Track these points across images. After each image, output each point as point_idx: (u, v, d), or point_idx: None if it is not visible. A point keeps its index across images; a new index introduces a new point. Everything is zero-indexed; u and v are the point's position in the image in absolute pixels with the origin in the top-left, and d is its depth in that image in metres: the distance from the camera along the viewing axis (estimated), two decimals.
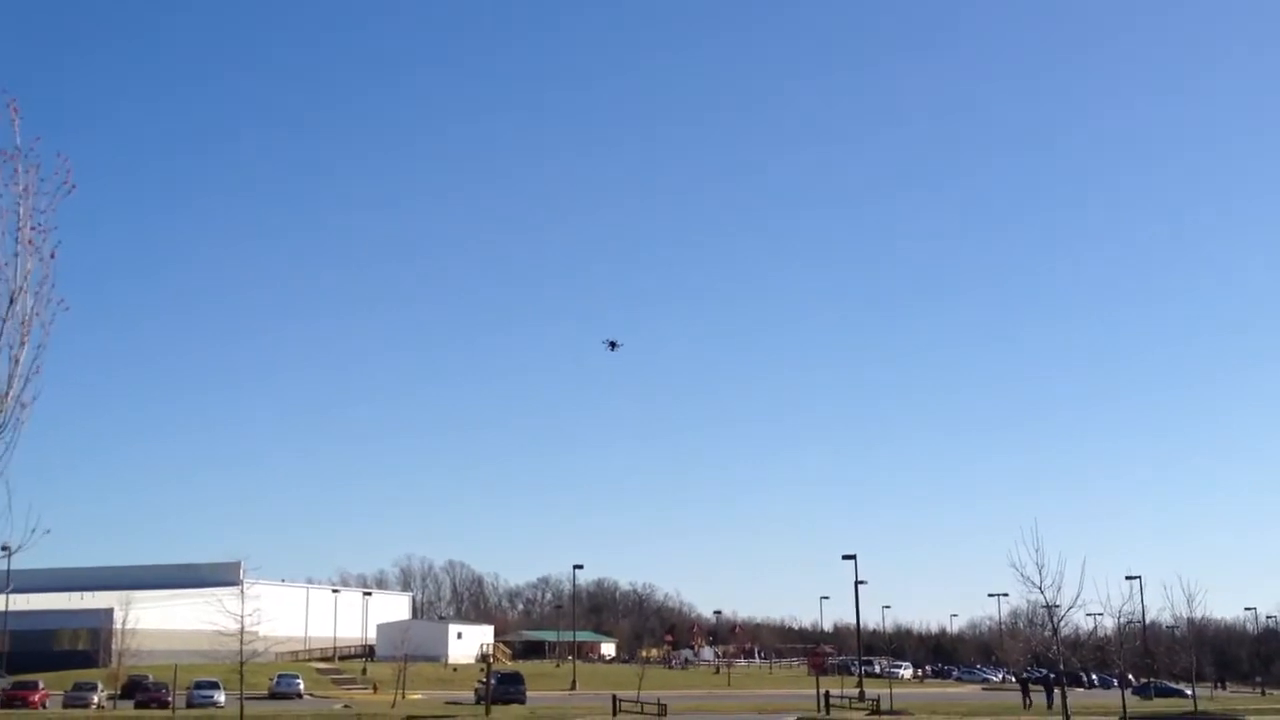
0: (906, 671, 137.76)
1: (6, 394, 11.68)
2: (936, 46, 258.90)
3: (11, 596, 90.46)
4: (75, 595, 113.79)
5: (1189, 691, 76.99)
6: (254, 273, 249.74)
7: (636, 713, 57.82)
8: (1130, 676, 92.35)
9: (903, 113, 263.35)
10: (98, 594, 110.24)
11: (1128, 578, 70.92)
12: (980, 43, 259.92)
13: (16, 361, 11.71)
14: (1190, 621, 77.82)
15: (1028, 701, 72.15)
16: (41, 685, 72.72)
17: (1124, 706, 53.09)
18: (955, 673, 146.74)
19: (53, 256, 12.00)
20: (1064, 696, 47.32)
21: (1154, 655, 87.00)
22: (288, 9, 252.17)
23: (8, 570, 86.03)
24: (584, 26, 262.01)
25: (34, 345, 11.82)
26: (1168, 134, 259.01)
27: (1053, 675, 75.72)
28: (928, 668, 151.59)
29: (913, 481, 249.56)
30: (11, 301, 11.72)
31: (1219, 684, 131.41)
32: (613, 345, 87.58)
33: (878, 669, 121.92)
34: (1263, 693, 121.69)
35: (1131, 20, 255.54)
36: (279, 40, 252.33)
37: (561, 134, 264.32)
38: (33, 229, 11.85)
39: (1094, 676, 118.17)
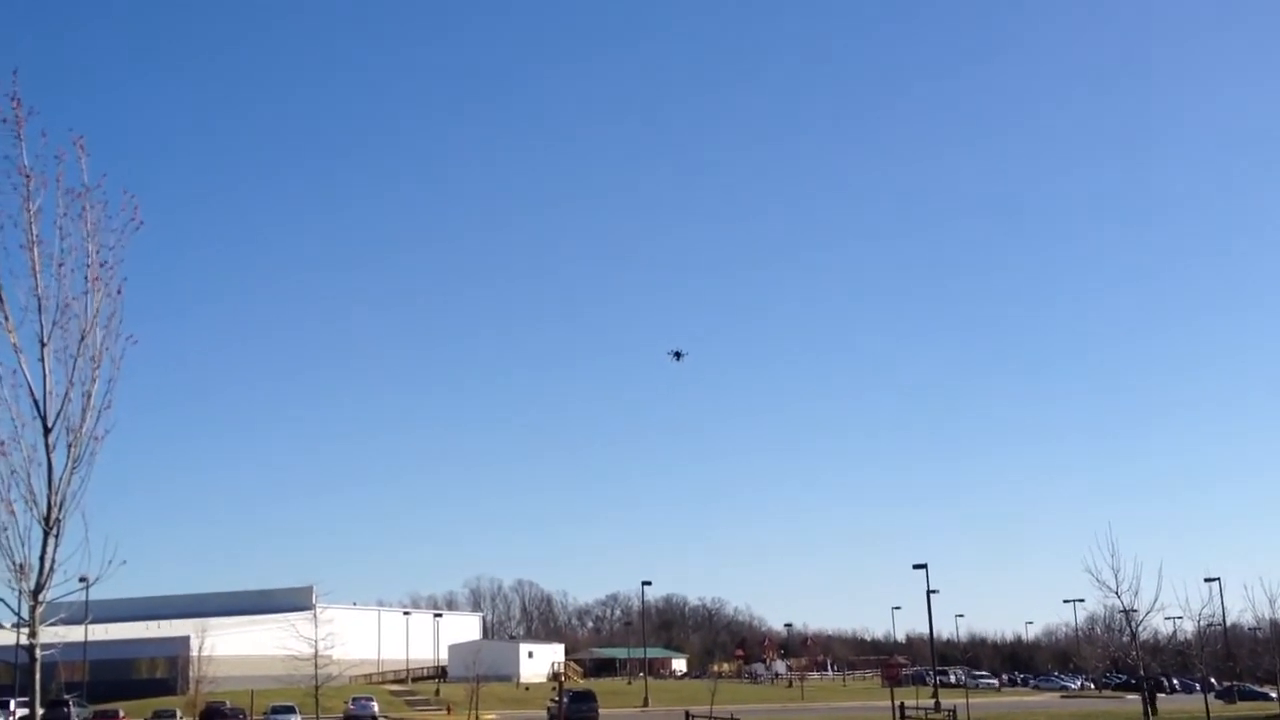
0: (991, 680, 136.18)
1: (81, 428, 11.85)
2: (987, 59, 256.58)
3: (91, 627, 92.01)
4: (153, 624, 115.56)
5: (1274, 695, 75.20)
6: (322, 300, 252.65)
7: None
8: (1213, 680, 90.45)
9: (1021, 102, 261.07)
10: (174, 622, 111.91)
11: (1206, 580, 69.75)
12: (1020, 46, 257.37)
13: (89, 396, 11.88)
14: (1273, 623, 76.09)
15: (1151, 710, 70.17)
16: (122, 713, 73.89)
17: (1207, 712, 51.95)
18: (1032, 681, 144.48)
19: (119, 292, 12.17)
20: (1153, 699, 46.03)
21: (1236, 658, 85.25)
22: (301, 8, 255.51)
23: (86, 601, 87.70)
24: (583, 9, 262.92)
25: (105, 380, 11.98)
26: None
27: (1157, 681, 74.38)
28: (1004, 676, 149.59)
29: (984, 488, 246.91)
30: (82, 338, 11.89)
31: None
32: (678, 355, 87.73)
33: (953, 679, 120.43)
34: None
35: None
36: (315, 54, 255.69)
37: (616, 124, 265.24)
38: (100, 265, 12.04)
39: (1175, 681, 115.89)
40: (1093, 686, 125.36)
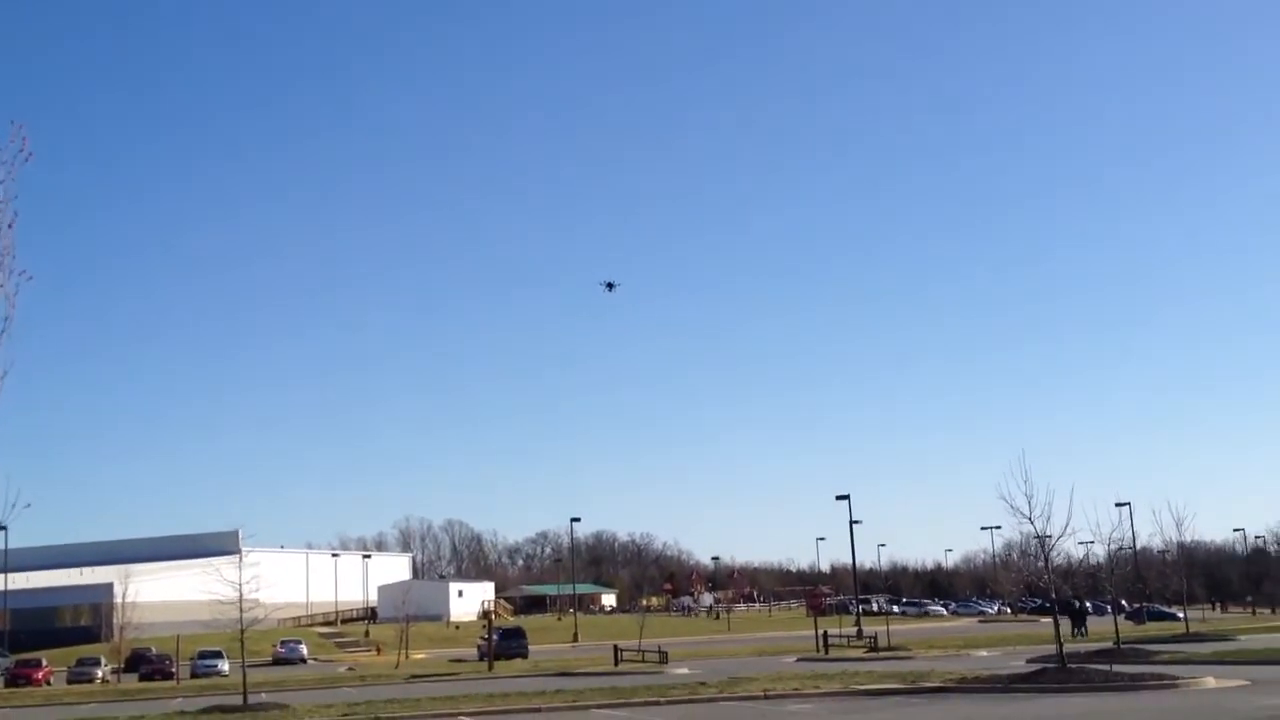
0: (939, 608, 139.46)
1: None
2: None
3: (11, 575, 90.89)
4: (75, 571, 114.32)
5: (1180, 615, 77.87)
6: (243, 241, 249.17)
7: (638, 661, 58.33)
8: (1123, 602, 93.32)
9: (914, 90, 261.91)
10: (97, 569, 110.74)
11: (1117, 504, 71.90)
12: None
13: None
14: (1180, 545, 78.43)
15: (1080, 630, 72.11)
16: (45, 662, 73.15)
17: (1117, 631, 53.61)
18: (951, 606, 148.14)
19: (11, 227, 11.87)
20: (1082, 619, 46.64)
21: (1145, 580, 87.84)
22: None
23: (5, 549, 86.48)
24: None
25: (0, 317, 11.72)
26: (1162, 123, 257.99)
27: (1083, 603, 76.36)
28: (924, 603, 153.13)
29: (902, 419, 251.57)
30: None
31: (1214, 605, 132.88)
32: (610, 286, 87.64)
33: (875, 607, 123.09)
34: (1253, 613, 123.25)
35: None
36: (269, 25, 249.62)
37: (558, 95, 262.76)
38: None
39: (1087, 604, 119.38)
40: (1009, 611, 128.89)
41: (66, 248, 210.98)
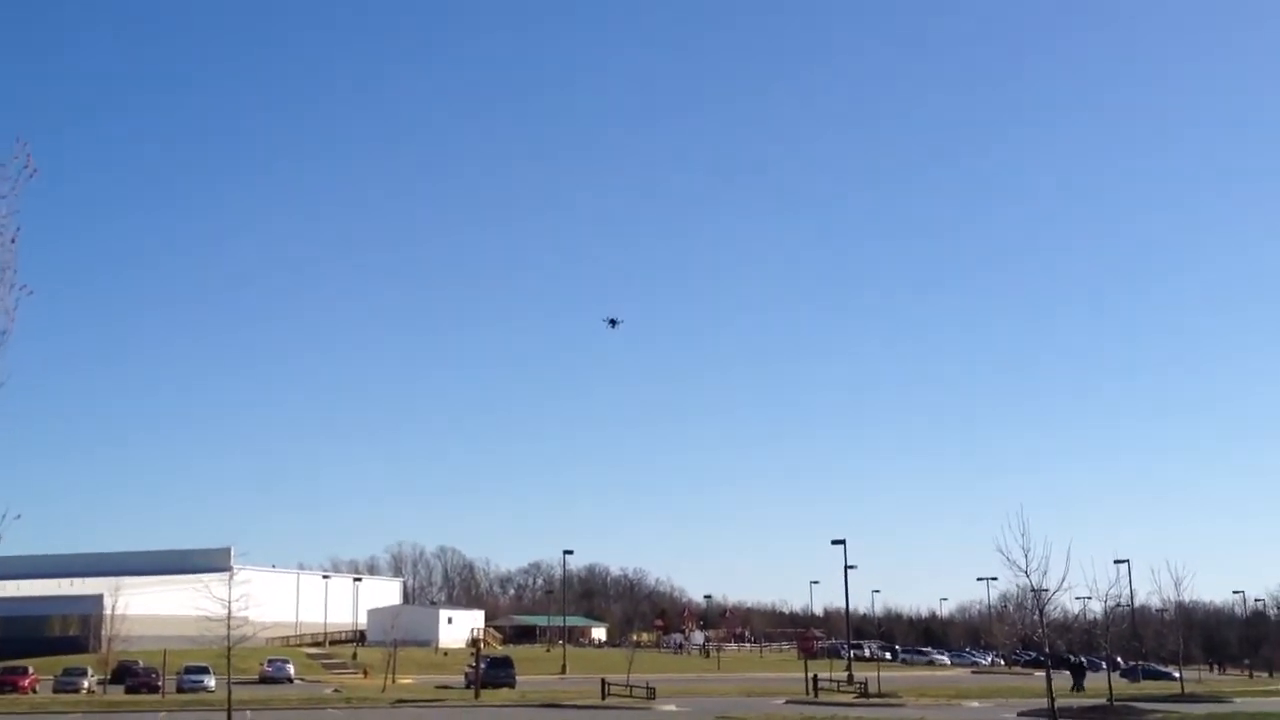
0: (942, 656, 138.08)
1: None
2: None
3: (1, 583, 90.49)
4: (65, 581, 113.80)
5: (1176, 674, 77.26)
6: (243, 262, 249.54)
7: (626, 695, 57.93)
8: (1118, 660, 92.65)
9: (903, 101, 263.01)
10: (87, 580, 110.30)
11: (1115, 561, 71.25)
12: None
13: None
14: (1178, 605, 78.04)
15: (1078, 687, 71.45)
16: (31, 671, 72.75)
17: (1110, 689, 53.24)
18: (945, 657, 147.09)
19: (14, 241, 11.80)
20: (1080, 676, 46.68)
21: (1142, 638, 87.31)
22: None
23: None
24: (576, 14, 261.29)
25: None
26: (1149, 122, 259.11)
27: (1081, 660, 75.86)
28: (918, 651, 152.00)
29: (903, 467, 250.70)
30: None
31: (1212, 666, 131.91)
32: (613, 323, 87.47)
33: (867, 653, 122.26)
34: (1251, 676, 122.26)
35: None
36: (273, 31, 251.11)
37: (559, 124, 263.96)
38: None
39: (1082, 659, 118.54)
40: (1003, 663, 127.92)
41: (63, 260, 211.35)
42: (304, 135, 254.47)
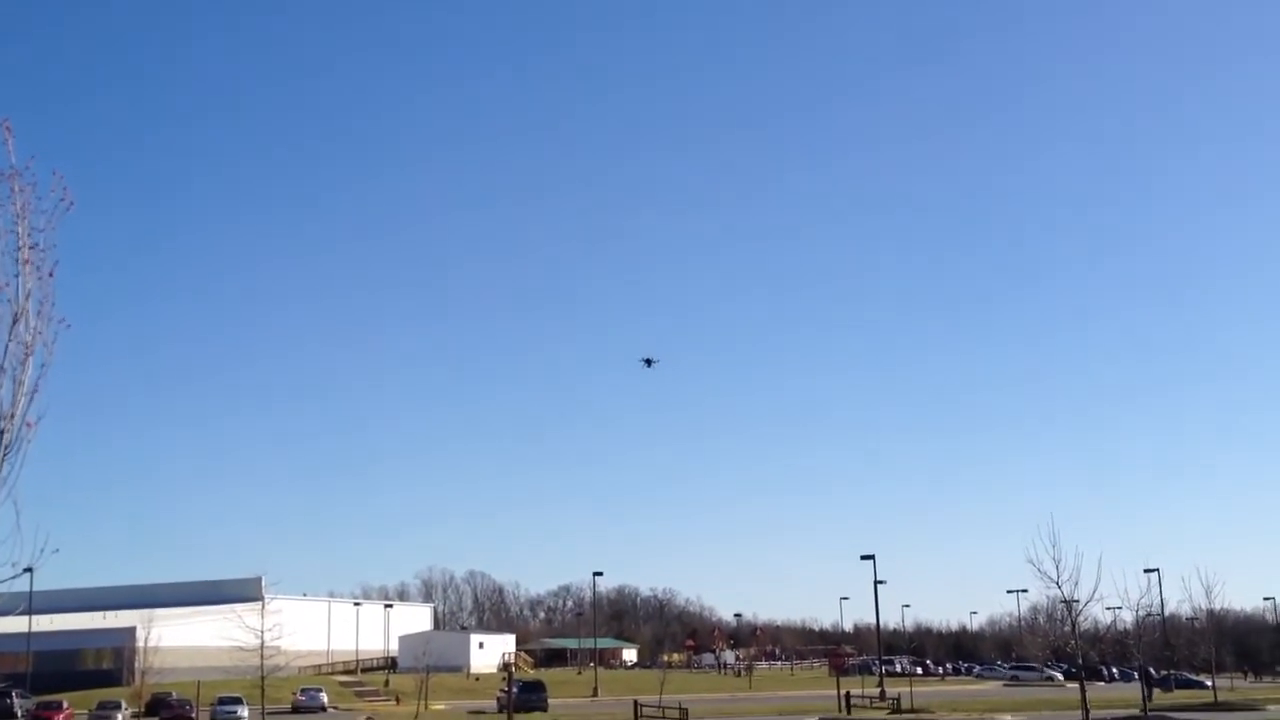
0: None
1: (12, 415, 11.82)
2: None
3: (34, 617, 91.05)
4: (98, 615, 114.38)
5: (1209, 683, 76.68)
6: (270, 291, 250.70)
7: (658, 717, 57.96)
8: (1150, 669, 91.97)
9: (916, 118, 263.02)
10: (120, 613, 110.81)
11: (1146, 571, 70.96)
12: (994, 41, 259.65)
13: (20, 383, 11.86)
14: (1209, 613, 77.45)
15: (1151, 695, 70.46)
16: (66, 705, 73.22)
17: (1144, 699, 52.94)
18: (976, 669, 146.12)
19: (51, 275, 12.12)
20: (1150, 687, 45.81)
21: (1174, 647, 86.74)
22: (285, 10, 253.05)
23: (30, 591, 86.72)
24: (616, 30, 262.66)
25: (37, 365, 11.95)
26: (1172, 133, 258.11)
27: (1151, 670, 74.79)
28: (948, 665, 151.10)
29: (930, 481, 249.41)
30: (14, 322, 11.85)
31: (1245, 674, 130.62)
32: (649, 362, 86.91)
33: (899, 668, 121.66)
34: None
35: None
36: (274, 52, 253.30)
37: (586, 140, 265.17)
38: (31, 248, 12.00)
39: (1114, 670, 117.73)
40: (1060, 676, 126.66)
41: (93, 294, 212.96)
42: (348, 161, 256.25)
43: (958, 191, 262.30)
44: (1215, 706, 59.01)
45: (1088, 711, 39.87)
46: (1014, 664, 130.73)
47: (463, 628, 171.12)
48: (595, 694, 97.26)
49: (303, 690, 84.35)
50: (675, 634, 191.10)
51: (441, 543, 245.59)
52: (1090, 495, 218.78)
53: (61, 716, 70.11)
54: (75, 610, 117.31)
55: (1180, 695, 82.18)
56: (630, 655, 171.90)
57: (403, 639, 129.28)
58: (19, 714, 74.87)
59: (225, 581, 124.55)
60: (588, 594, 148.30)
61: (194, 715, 68.91)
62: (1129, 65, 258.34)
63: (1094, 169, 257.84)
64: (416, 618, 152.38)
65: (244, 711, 70.78)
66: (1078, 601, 43.52)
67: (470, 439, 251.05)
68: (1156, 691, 79.55)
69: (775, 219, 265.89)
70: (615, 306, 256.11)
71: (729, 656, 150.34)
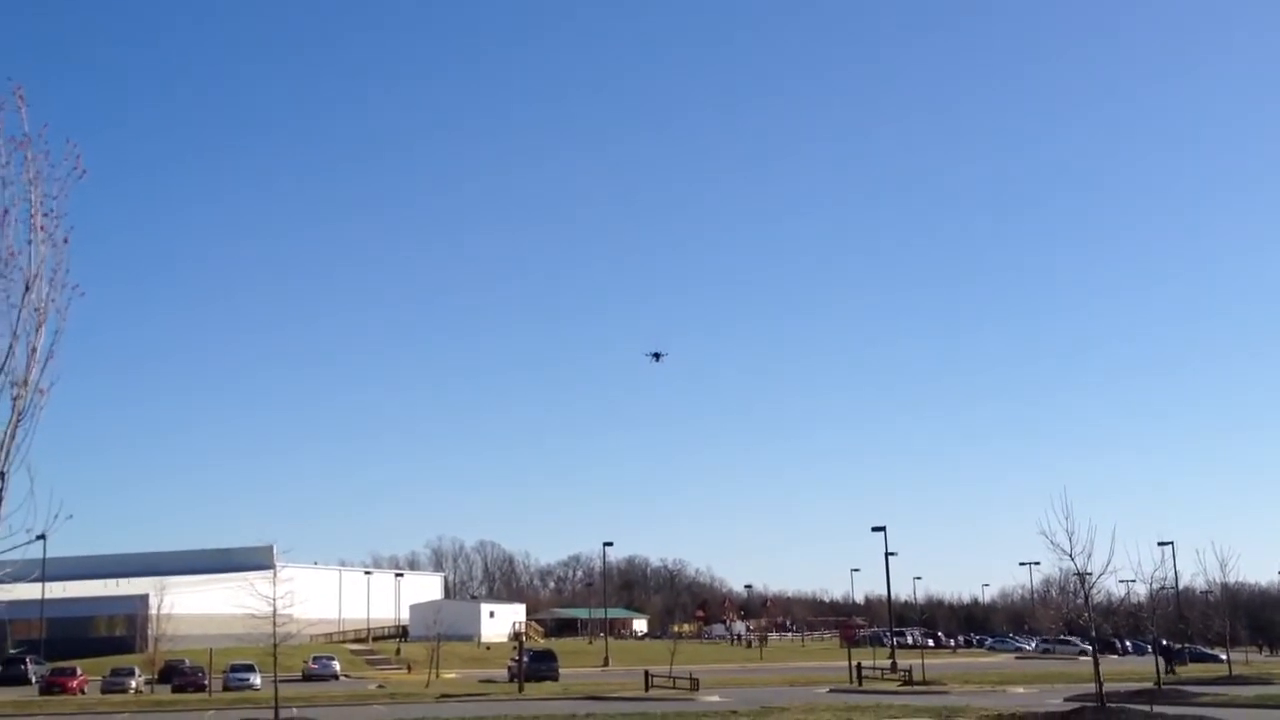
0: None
1: (25, 381, 11.67)
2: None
3: (48, 585, 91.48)
4: (111, 582, 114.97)
5: (1223, 656, 76.51)
6: (280, 261, 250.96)
7: (669, 687, 57.94)
8: (1164, 642, 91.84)
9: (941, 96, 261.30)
10: (133, 580, 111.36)
11: (1160, 544, 70.47)
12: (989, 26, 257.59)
13: (34, 349, 11.70)
14: (1224, 586, 77.21)
15: (1171, 669, 70.30)
16: (80, 671, 73.48)
17: (1158, 672, 52.77)
18: (988, 642, 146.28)
19: (66, 242, 11.97)
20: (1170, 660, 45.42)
21: (1188, 621, 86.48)
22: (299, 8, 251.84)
23: (44, 558, 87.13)
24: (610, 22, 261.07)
25: (51, 331, 11.80)
26: (1178, 124, 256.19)
27: (1174, 645, 74.52)
28: (960, 637, 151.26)
29: (942, 452, 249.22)
30: (27, 289, 11.69)
31: (1260, 648, 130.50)
32: (657, 356, 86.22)
33: (910, 640, 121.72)
34: None
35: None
36: (286, 37, 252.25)
37: (590, 128, 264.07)
38: (44, 215, 11.83)
39: (1127, 643, 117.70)
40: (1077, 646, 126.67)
41: (109, 261, 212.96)
42: (352, 140, 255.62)
43: (972, 170, 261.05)
44: (1230, 680, 58.70)
45: (1101, 684, 39.56)
46: (1042, 638, 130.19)
47: (473, 597, 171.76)
48: (606, 664, 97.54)
49: (315, 658, 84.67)
50: (685, 605, 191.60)
51: (452, 512, 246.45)
52: (1106, 467, 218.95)
53: (75, 683, 70.33)
54: (88, 577, 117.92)
55: (1194, 669, 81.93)
56: (640, 625, 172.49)
57: (413, 608, 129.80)
58: (33, 680, 75.36)
59: (237, 549, 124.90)
60: (598, 564, 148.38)
61: (206, 682, 69.10)
62: (1120, 54, 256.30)
63: (1118, 141, 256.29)
64: (427, 587, 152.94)
65: (256, 679, 70.99)
66: (1091, 574, 43.20)
67: (481, 409, 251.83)
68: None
69: (780, 198, 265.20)
70: (627, 280, 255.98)
71: (740, 627, 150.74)
